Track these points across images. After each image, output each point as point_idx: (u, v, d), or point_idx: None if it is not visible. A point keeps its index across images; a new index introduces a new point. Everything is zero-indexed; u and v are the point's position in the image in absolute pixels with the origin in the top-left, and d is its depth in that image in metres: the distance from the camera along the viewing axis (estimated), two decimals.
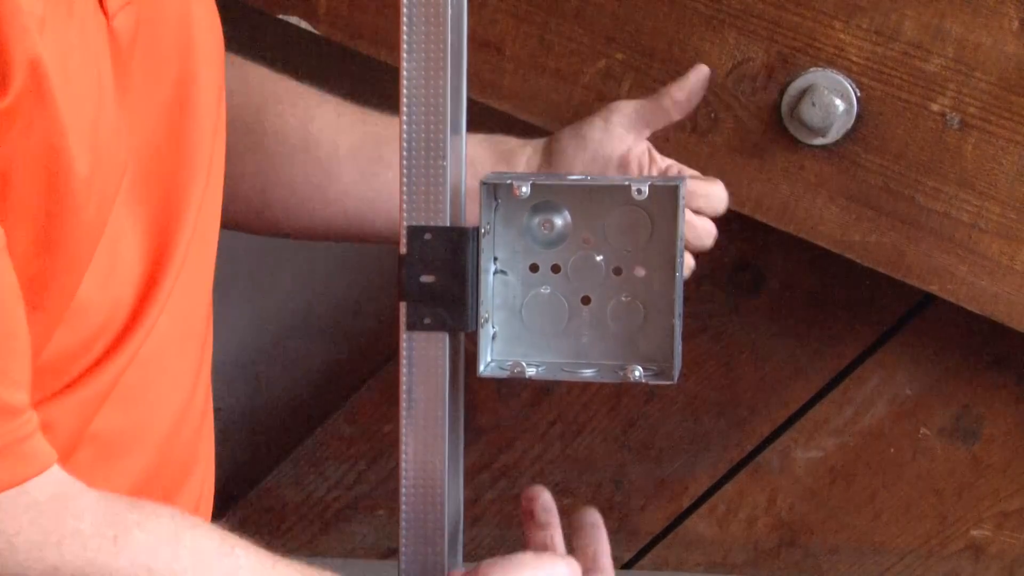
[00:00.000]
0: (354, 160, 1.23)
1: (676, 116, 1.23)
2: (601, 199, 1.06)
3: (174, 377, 1.00)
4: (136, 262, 0.95)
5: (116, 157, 0.91)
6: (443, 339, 1.04)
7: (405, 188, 1.03)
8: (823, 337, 1.65)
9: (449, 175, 1.03)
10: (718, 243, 1.64)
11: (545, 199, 1.06)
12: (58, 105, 0.83)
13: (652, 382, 1.06)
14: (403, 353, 1.05)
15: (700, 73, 1.22)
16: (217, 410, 1.80)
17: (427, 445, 1.06)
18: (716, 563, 1.69)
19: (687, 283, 1.06)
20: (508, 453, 1.71)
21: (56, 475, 0.88)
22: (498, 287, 1.07)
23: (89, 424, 0.94)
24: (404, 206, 1.03)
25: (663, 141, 1.49)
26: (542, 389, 1.68)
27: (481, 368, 1.06)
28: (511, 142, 1.24)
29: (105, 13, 0.90)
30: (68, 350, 0.92)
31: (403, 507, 1.07)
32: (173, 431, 1.01)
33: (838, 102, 1.44)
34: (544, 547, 1.07)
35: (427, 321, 1.04)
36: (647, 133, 1.22)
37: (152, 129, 0.96)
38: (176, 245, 0.97)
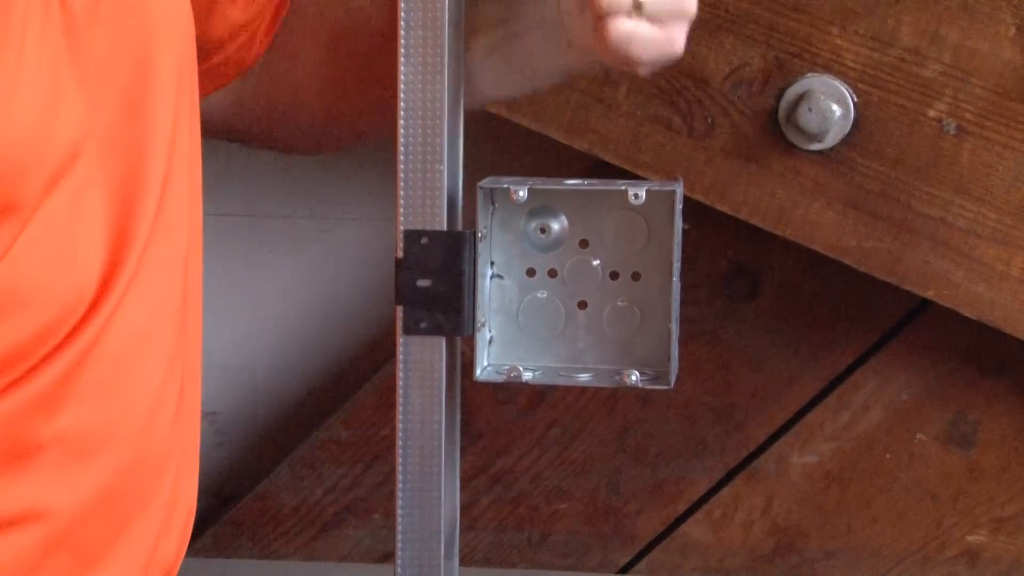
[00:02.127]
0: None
1: None
2: (598, 204, 1.06)
3: (143, 372, 0.99)
4: (99, 249, 0.94)
5: (62, 135, 0.90)
6: (440, 343, 1.04)
7: (402, 192, 1.03)
8: (819, 342, 1.65)
9: (446, 179, 1.03)
10: (714, 248, 1.64)
11: (542, 203, 1.06)
12: None
13: (648, 387, 1.06)
14: (400, 357, 1.05)
15: None
16: (214, 413, 1.81)
17: (423, 449, 1.06)
18: (712, 568, 1.69)
19: (683, 288, 1.06)
20: (504, 457, 1.71)
21: None
22: (495, 291, 1.07)
23: (49, 423, 0.93)
24: (401, 210, 1.03)
25: (659, 146, 1.49)
26: (538, 393, 1.68)
27: (478, 372, 1.07)
28: None
29: None
30: (17, 345, 0.90)
31: (399, 511, 1.07)
32: (145, 428, 0.99)
33: (835, 107, 1.44)
34: None
35: (424, 325, 1.04)
36: None
37: (112, 109, 0.95)
38: (135, 234, 0.96)
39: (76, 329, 0.93)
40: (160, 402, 1.01)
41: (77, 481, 0.94)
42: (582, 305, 1.08)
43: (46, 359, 0.91)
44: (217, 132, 1.19)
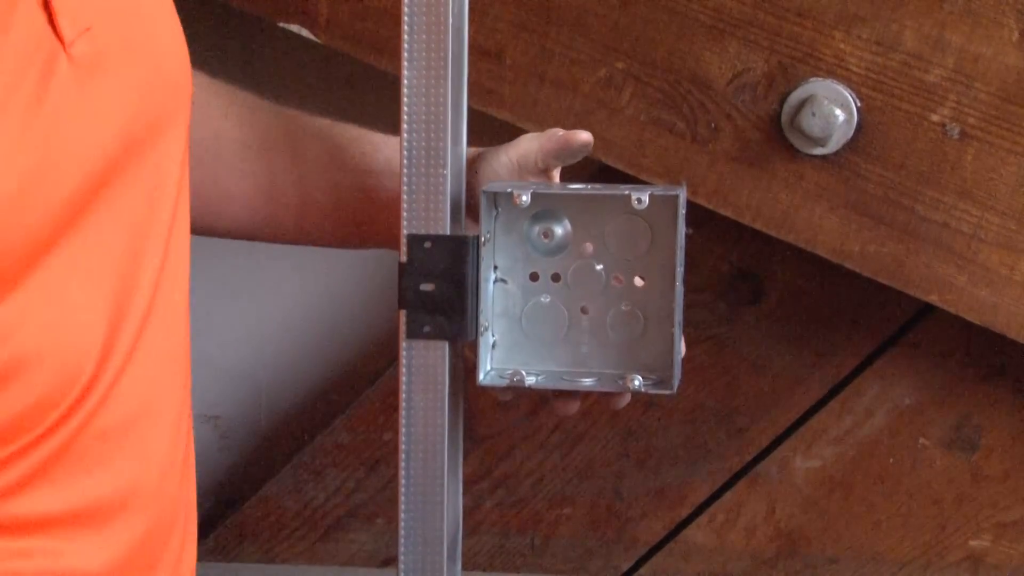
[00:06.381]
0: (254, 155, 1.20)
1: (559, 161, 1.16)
2: (601, 208, 1.06)
3: (150, 438, 0.95)
4: (104, 305, 0.90)
5: (59, 179, 0.87)
6: (443, 348, 1.04)
7: (405, 196, 1.03)
8: (822, 346, 1.65)
9: (449, 183, 1.03)
10: (718, 252, 1.64)
11: (545, 208, 1.06)
12: None
13: (652, 391, 1.06)
14: (403, 361, 1.05)
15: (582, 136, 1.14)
16: (217, 417, 1.81)
17: (426, 453, 1.06)
18: (715, 572, 1.69)
19: (687, 293, 1.06)
20: (507, 462, 1.71)
21: None
22: (498, 296, 1.07)
23: (49, 497, 0.89)
24: (404, 214, 1.03)
25: (662, 150, 1.49)
26: (541, 398, 1.67)
27: (480, 377, 1.06)
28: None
29: (60, 39, 0.87)
30: (10, 419, 0.86)
31: (402, 515, 1.07)
32: (157, 493, 0.97)
33: (838, 112, 1.44)
34: None
35: (427, 330, 1.04)
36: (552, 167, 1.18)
37: (126, 151, 0.93)
38: (138, 287, 0.93)
39: (78, 401, 0.90)
40: (170, 464, 0.99)
41: (91, 551, 0.92)
42: (585, 310, 1.07)
43: (45, 434, 0.89)
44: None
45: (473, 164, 1.12)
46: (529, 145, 1.11)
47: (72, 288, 0.88)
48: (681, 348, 1.07)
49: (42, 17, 0.86)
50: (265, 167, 1.18)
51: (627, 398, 1.10)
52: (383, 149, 1.18)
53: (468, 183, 1.09)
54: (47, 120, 0.85)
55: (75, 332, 0.89)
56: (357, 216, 1.18)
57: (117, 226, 0.92)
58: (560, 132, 1.11)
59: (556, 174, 1.14)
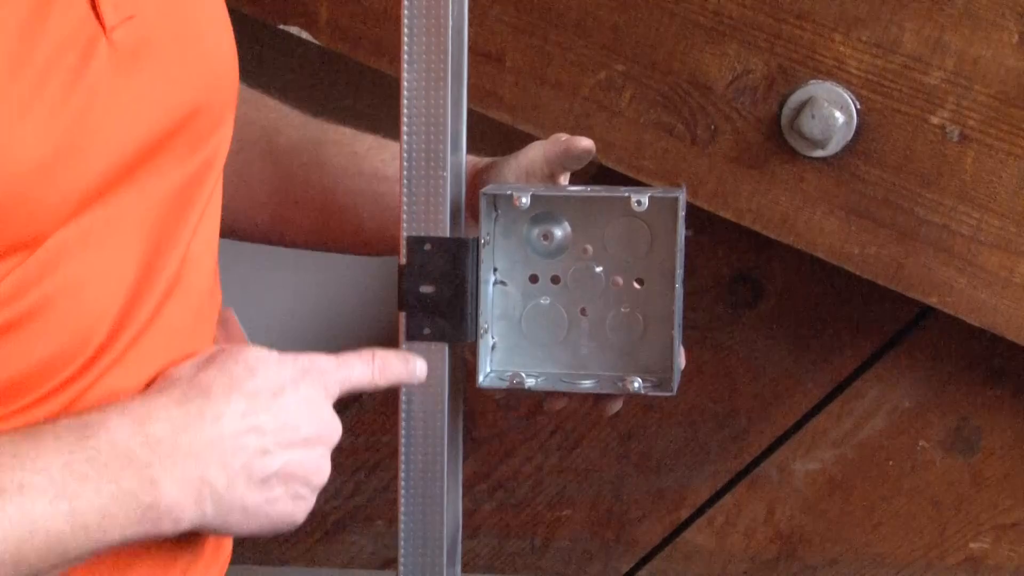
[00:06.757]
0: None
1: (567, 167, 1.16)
2: (601, 210, 1.06)
3: None
4: (126, 274, 0.92)
5: (91, 155, 0.88)
6: (442, 349, 1.04)
7: (405, 199, 1.03)
8: (822, 349, 1.65)
9: (449, 186, 1.03)
10: (717, 254, 1.64)
11: (545, 210, 1.06)
12: None
13: (651, 393, 1.06)
14: None
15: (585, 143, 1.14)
16: None
17: (426, 456, 1.06)
18: (714, 574, 1.69)
19: (686, 294, 1.06)
20: (507, 463, 1.71)
21: None
22: (498, 298, 1.07)
23: None
24: (404, 216, 1.03)
25: (662, 152, 1.49)
26: (540, 400, 1.68)
27: (480, 379, 1.06)
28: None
29: (102, 24, 0.88)
30: (31, 367, 0.88)
31: (402, 517, 1.07)
32: None
33: (838, 114, 1.45)
34: None
35: (426, 332, 1.04)
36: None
37: (169, 133, 0.94)
38: (164, 265, 0.94)
39: (88, 363, 0.91)
40: None
41: None
42: (585, 311, 1.08)
43: (55, 391, 0.90)
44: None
45: (484, 172, 1.12)
46: (536, 152, 1.12)
47: (94, 256, 0.90)
48: (681, 358, 1.07)
49: (85, 2, 0.88)
50: (288, 172, 1.19)
51: (619, 404, 1.10)
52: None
53: (477, 190, 1.09)
54: (82, 100, 0.87)
55: (91, 296, 0.90)
56: (371, 221, 1.18)
57: (149, 206, 0.93)
58: (564, 137, 1.12)
59: (565, 180, 1.14)
